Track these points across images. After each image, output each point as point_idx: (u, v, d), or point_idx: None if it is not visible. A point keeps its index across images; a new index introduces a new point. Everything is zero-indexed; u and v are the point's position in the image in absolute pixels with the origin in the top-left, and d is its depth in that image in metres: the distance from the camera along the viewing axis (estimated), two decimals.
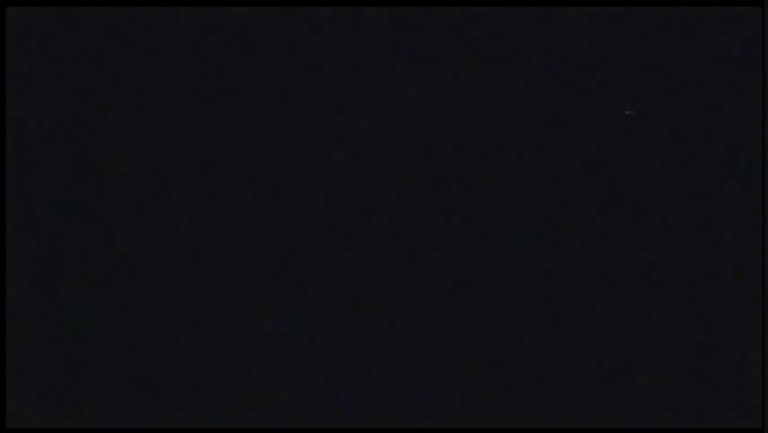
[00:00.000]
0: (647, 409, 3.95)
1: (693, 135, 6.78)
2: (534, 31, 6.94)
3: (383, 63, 7.37)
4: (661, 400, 3.33)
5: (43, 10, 6.55)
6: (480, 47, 7.01)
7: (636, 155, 7.25)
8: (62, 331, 5.87)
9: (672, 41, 6.86)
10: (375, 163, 7.33)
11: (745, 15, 6.32)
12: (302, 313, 6.74)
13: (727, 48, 6.69)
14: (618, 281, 7.41)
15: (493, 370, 4.44)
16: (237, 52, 7.21)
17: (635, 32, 6.85)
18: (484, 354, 5.84)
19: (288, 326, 6.25)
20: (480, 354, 5.84)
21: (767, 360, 4.85)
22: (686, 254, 7.17)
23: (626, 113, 7.00)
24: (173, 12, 7.05)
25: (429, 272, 6.13)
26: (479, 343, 6.25)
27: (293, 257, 6.46)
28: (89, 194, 6.68)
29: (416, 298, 6.08)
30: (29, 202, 6.18)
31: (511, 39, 6.88)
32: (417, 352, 5.36)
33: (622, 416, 3.15)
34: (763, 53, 5.65)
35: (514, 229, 6.98)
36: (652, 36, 6.83)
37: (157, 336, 6.62)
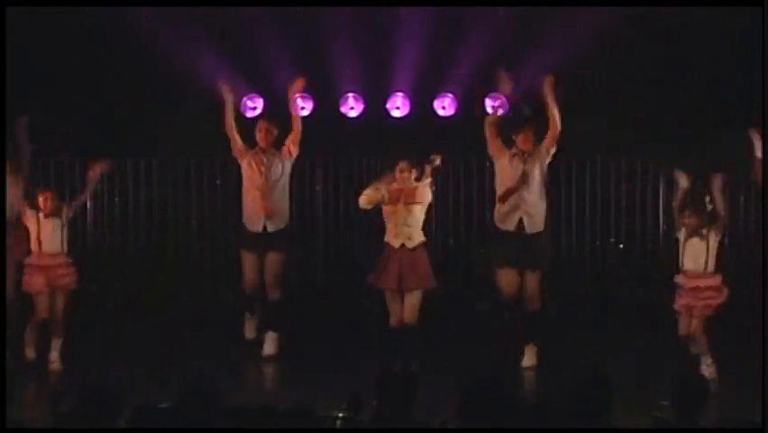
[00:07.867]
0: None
1: (692, 134, 6.77)
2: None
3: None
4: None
5: (43, 10, 6.55)
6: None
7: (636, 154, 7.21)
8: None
9: (673, 41, 6.84)
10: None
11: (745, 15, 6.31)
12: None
13: (727, 47, 6.68)
14: (618, 279, 7.38)
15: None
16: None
17: (634, 31, 6.83)
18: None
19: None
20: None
21: (767, 360, 4.84)
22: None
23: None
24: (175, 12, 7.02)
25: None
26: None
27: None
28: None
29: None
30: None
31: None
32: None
33: (621, 415, 3.15)
34: (763, 53, 5.65)
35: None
36: (651, 35, 6.81)
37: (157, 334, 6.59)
